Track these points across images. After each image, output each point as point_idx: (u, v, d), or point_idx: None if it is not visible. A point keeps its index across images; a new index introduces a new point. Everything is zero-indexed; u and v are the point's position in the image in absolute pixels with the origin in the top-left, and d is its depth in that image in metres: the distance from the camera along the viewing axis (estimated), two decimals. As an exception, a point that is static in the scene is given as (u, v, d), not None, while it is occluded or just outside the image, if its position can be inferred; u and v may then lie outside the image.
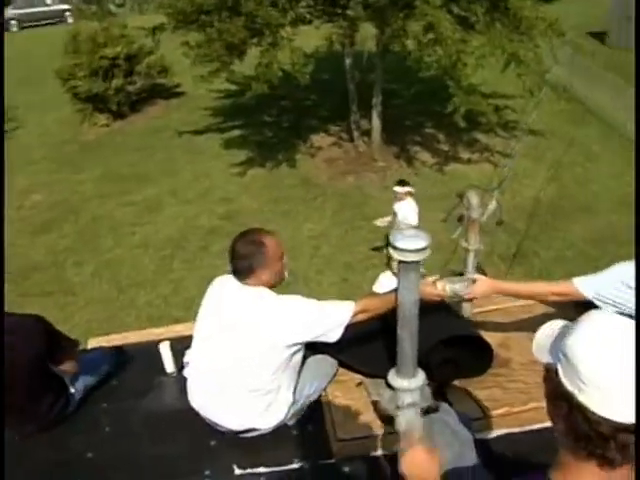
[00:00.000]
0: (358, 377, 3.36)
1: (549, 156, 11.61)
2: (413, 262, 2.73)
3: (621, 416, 1.25)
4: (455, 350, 3.16)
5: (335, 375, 3.36)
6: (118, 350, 3.90)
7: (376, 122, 12.67)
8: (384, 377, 3.19)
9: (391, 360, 3.10)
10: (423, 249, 2.70)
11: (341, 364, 3.36)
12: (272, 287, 2.99)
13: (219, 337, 2.89)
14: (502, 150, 12.03)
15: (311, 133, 14.10)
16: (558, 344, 1.38)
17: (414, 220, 7.95)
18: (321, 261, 9.40)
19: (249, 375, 2.81)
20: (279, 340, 2.79)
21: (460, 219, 3.92)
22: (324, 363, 3.22)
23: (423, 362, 3.06)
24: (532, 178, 11.09)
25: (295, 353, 2.87)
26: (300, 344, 2.86)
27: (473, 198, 3.51)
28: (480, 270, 3.71)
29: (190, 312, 8.65)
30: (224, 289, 3.00)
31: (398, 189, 7.92)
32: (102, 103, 15.79)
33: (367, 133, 13.11)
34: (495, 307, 3.99)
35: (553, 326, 1.50)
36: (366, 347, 3.52)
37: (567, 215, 10.53)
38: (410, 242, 2.68)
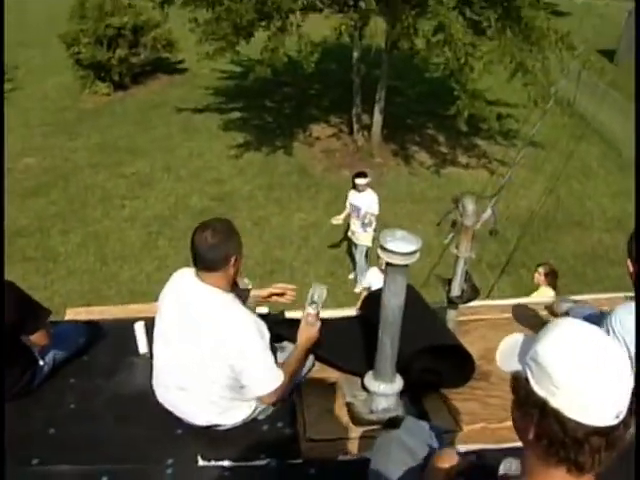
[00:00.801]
0: (333, 376, 3.27)
1: (547, 168, 11.55)
2: (401, 265, 2.64)
3: (595, 419, 1.26)
4: (436, 359, 3.08)
5: (309, 371, 3.26)
6: (93, 325, 3.79)
7: (377, 118, 12.58)
8: (360, 375, 3.11)
9: (370, 359, 3.03)
10: (412, 253, 2.61)
11: (317, 357, 3.26)
12: (229, 290, 2.81)
13: (178, 335, 2.75)
14: (501, 158, 11.98)
15: (311, 122, 13.99)
16: (526, 352, 1.37)
17: (376, 210, 7.97)
18: (309, 252, 9.31)
19: (205, 381, 2.70)
20: (225, 359, 2.66)
21: (453, 225, 3.82)
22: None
23: (401, 367, 2.98)
24: (528, 189, 11.03)
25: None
26: (234, 374, 2.71)
27: (469, 205, 3.40)
28: (469, 279, 3.62)
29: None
30: (183, 284, 2.80)
31: (361, 181, 7.90)
32: (104, 72, 15.61)
33: (367, 128, 13.01)
34: (480, 317, 3.92)
35: (516, 337, 1.51)
36: (345, 342, 3.44)
37: (559, 228, 10.49)
38: (399, 245, 2.59)
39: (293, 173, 11.83)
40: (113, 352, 3.58)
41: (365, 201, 7.96)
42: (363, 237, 8.12)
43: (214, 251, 2.63)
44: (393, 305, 2.75)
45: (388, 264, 2.68)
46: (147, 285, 8.47)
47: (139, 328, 3.49)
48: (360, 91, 12.71)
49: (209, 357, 2.67)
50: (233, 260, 2.72)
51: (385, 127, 12.84)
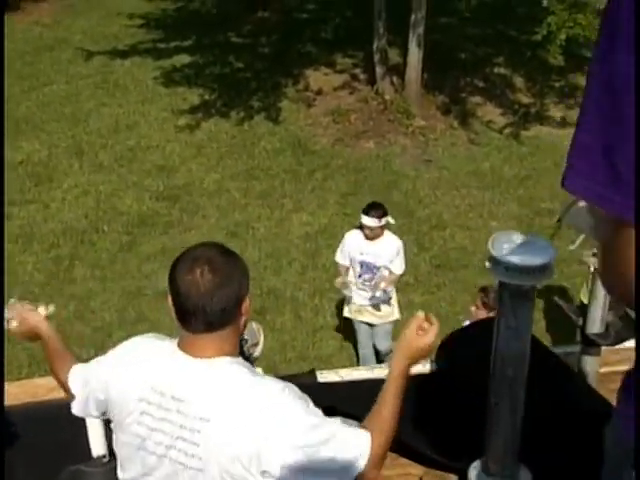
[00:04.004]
0: (412, 472, 3.33)
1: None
2: (527, 288, 2.70)
3: None
4: (583, 437, 3.13)
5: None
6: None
7: (414, 53, 12.60)
8: (458, 467, 3.17)
9: (469, 440, 3.09)
10: (544, 267, 2.66)
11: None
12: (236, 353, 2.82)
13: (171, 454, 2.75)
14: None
15: (307, 67, 14.05)
16: None
17: (401, 266, 7.44)
18: (320, 275, 9.35)
19: None
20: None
21: (580, 220, 3.88)
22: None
23: (527, 451, 3.04)
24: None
25: None
26: None
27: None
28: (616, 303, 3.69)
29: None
30: (166, 372, 2.80)
31: (372, 222, 7.29)
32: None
33: (399, 70, 13.11)
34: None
35: None
36: (424, 413, 3.50)
37: None
38: (525, 255, 2.64)
39: (285, 150, 11.93)
40: (38, 458, 3.60)
41: (384, 252, 7.50)
42: (387, 312, 7.70)
43: (223, 295, 2.64)
44: (515, 352, 2.81)
45: (503, 286, 2.73)
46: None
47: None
48: (384, 10, 12.76)
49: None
50: (246, 302, 2.76)
51: (428, 68, 12.91)
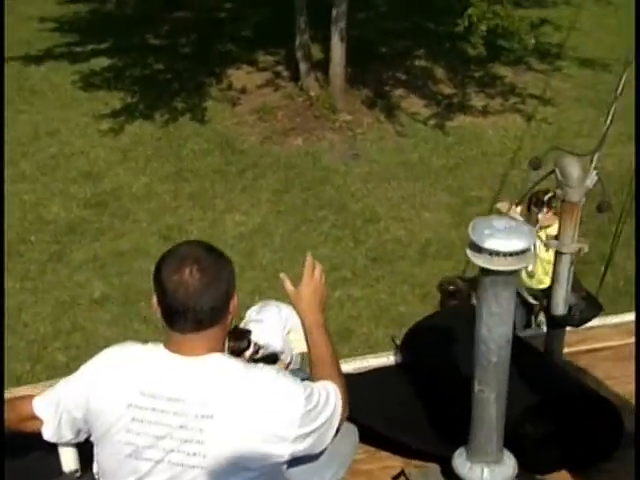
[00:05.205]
0: (394, 464, 3.32)
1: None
2: (508, 272, 2.71)
3: None
4: (565, 422, 3.16)
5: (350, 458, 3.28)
6: None
7: (337, 48, 12.59)
8: (441, 456, 3.18)
9: (450, 428, 3.14)
10: (525, 251, 2.68)
11: (362, 430, 3.24)
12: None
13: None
14: (539, 93, 12.16)
15: (229, 65, 14.03)
16: None
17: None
18: (258, 274, 9.32)
19: None
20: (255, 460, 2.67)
21: (538, 203, 3.95)
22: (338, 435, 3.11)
23: (510, 438, 3.05)
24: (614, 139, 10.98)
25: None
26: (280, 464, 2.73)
27: (573, 169, 3.48)
28: (579, 286, 3.72)
29: (37, 366, 8.44)
30: (156, 375, 2.75)
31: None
32: None
33: (322, 66, 13.12)
34: (600, 345, 3.97)
35: None
36: (400, 404, 3.51)
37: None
38: (505, 240, 2.65)
39: (212, 151, 11.89)
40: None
41: (263, 333, 6.93)
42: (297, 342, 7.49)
43: (212, 294, 2.63)
44: (498, 336, 2.82)
45: (485, 272, 2.74)
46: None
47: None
48: (305, 7, 12.77)
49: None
50: (234, 299, 2.76)
51: (351, 62, 12.92)
